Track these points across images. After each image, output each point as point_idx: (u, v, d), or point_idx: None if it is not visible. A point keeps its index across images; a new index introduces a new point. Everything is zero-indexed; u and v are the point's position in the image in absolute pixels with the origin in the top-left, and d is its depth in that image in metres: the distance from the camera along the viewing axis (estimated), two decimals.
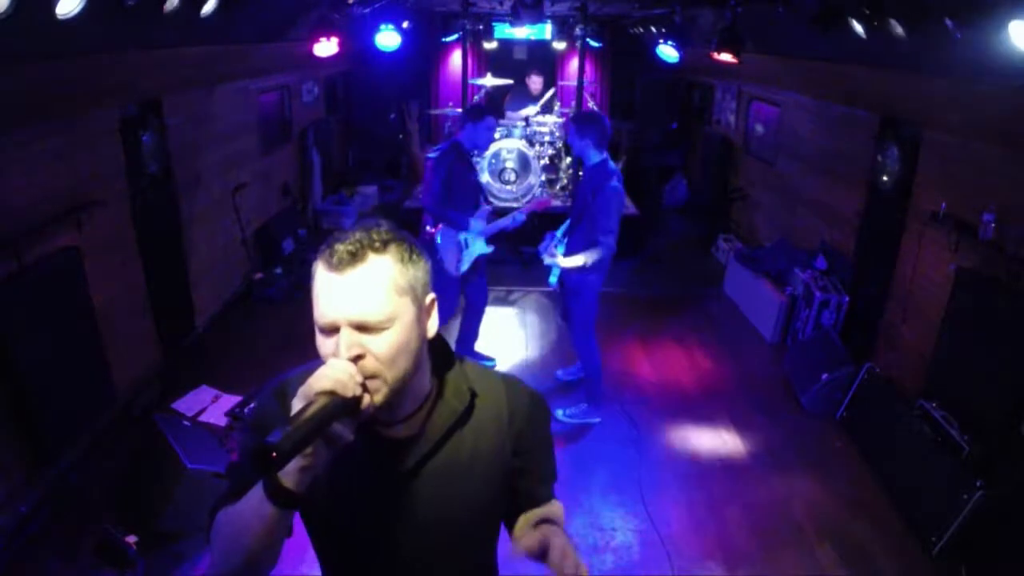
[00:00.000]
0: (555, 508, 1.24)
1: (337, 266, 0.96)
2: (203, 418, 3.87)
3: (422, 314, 1.05)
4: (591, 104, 7.95)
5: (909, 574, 3.05)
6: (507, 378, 1.24)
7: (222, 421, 3.85)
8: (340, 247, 0.97)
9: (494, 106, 4.00)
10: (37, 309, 3.06)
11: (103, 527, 2.89)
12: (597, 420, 4.06)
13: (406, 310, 1.00)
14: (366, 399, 0.96)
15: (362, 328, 0.97)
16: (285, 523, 0.97)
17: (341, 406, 0.91)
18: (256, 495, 0.94)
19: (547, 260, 3.75)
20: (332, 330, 0.97)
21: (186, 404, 3.98)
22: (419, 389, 1.10)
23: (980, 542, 2.97)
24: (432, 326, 1.08)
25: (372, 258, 0.98)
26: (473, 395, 1.16)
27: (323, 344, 0.99)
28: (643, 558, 3.07)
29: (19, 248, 2.96)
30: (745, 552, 3.13)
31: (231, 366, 4.48)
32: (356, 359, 0.96)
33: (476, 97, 7.28)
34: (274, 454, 0.84)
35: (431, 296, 1.07)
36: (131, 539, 2.87)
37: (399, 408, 1.07)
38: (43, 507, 3.09)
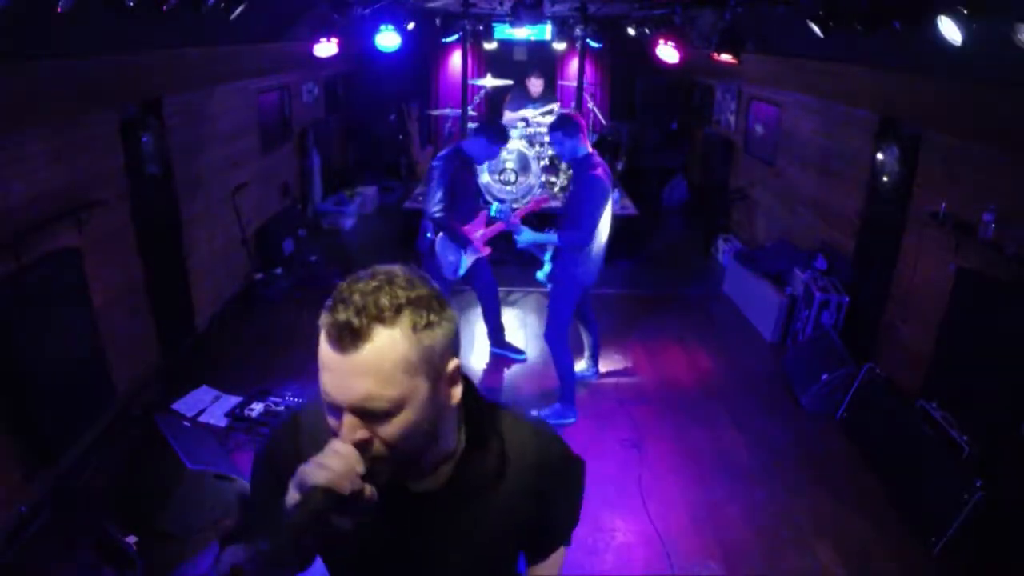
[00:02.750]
0: (556, 559, 1.26)
1: (339, 342, 0.85)
2: (203, 418, 3.87)
3: (441, 385, 0.93)
4: (590, 104, 7.96)
5: (909, 574, 3.05)
6: (540, 432, 1.15)
7: (222, 421, 3.84)
8: (342, 318, 0.84)
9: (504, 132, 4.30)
10: (37, 309, 3.06)
11: (103, 527, 2.88)
12: (571, 421, 4.03)
13: (418, 389, 0.89)
14: (367, 490, 0.87)
15: (366, 414, 0.88)
16: None
17: (337, 501, 0.85)
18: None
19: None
20: (336, 408, 0.89)
21: (186, 404, 3.98)
22: (441, 450, 1.03)
23: (980, 542, 2.97)
24: (456, 393, 0.97)
25: (379, 334, 0.85)
26: (504, 461, 1.08)
27: (328, 416, 0.92)
28: (643, 558, 3.07)
29: (19, 248, 2.96)
30: (745, 552, 3.13)
31: (231, 366, 4.48)
32: (362, 441, 0.88)
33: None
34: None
35: (454, 363, 0.95)
36: (131, 539, 2.87)
37: (415, 469, 1.01)
38: (43, 507, 3.09)
